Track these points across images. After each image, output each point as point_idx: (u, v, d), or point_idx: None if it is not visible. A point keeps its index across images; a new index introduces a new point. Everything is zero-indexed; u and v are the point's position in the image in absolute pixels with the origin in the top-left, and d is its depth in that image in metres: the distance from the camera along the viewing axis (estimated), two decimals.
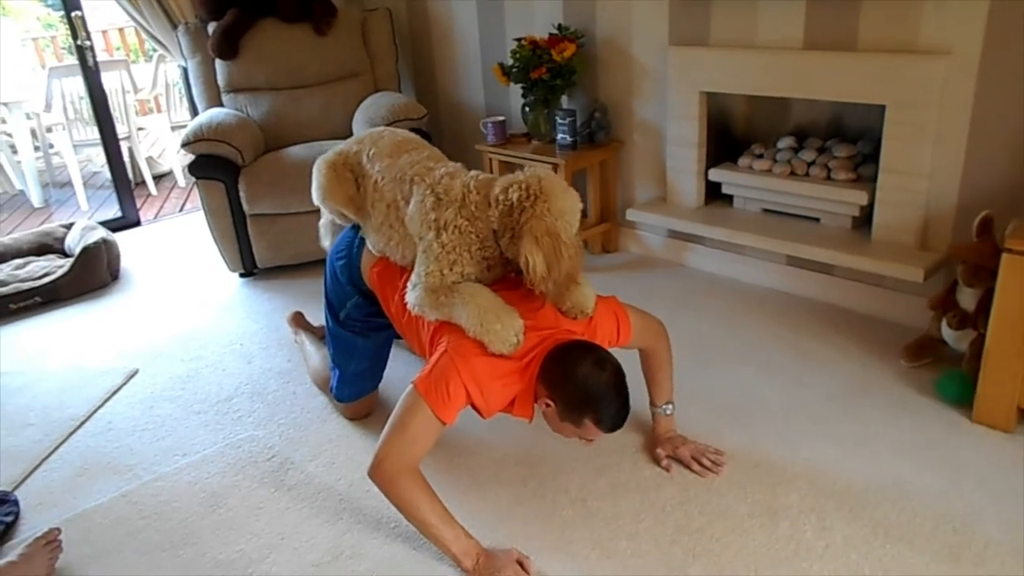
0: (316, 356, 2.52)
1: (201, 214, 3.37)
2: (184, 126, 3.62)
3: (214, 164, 3.19)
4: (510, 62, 3.29)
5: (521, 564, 1.66)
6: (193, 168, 3.21)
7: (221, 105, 3.63)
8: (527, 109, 3.37)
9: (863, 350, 2.45)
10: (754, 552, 1.70)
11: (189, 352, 2.78)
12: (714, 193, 3.02)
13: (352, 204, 2.01)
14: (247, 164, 3.25)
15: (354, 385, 2.24)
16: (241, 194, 3.21)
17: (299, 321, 2.79)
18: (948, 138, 2.32)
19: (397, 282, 1.94)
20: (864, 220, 2.62)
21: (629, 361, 1.84)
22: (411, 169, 1.86)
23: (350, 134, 3.59)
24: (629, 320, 1.88)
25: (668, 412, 2.03)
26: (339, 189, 2.00)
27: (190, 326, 2.99)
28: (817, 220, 2.76)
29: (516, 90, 3.42)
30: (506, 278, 1.88)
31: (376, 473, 1.66)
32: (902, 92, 2.33)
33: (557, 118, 3.19)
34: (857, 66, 2.41)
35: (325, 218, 2.32)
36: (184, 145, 3.20)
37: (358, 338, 2.17)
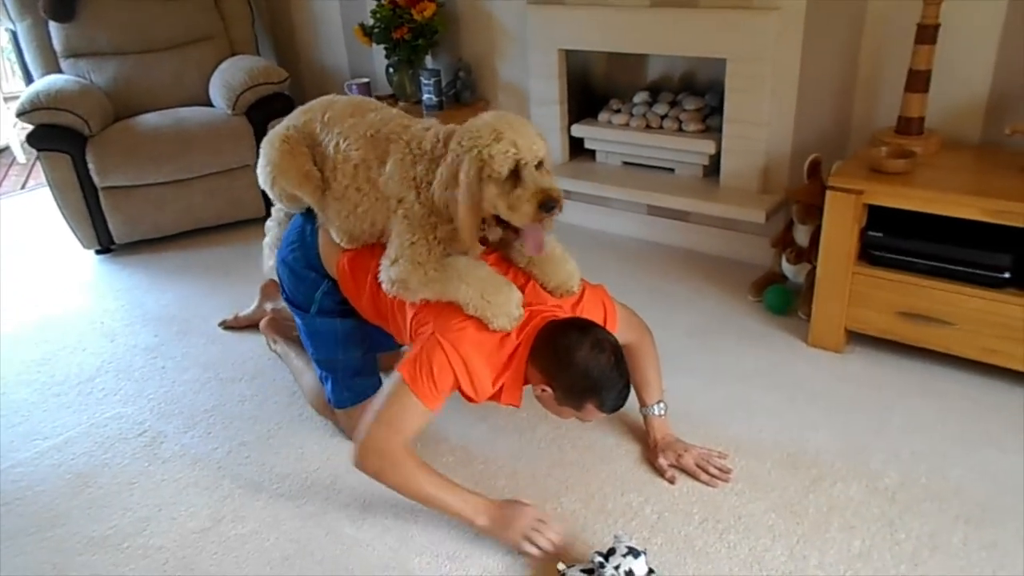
0: (308, 372, 2.12)
1: (47, 190, 3.15)
2: (18, 96, 3.35)
3: (57, 135, 2.98)
4: (371, 22, 3.26)
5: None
6: (33, 140, 2.99)
7: (60, 72, 3.37)
8: (391, 70, 3.36)
9: (716, 289, 2.65)
10: (621, 477, 1.84)
11: (43, 334, 2.62)
12: (578, 148, 3.14)
13: (309, 181, 1.77)
14: (95, 134, 3.06)
15: (350, 385, 1.95)
16: (90, 166, 3.03)
17: (276, 327, 2.40)
18: (781, 89, 2.52)
19: (370, 263, 1.74)
20: (713, 168, 2.81)
21: None
22: (385, 127, 1.71)
23: (207, 100, 3.45)
24: (616, 312, 1.78)
25: (660, 413, 1.87)
26: (293, 164, 1.77)
27: (43, 308, 2.82)
28: (672, 170, 2.93)
29: (380, 51, 3.39)
30: (486, 254, 1.75)
31: (362, 464, 1.58)
32: (739, 46, 2.51)
33: (422, 79, 3.20)
34: (699, 22, 2.56)
35: (271, 234, 2.09)
36: (20, 115, 2.97)
37: (337, 320, 1.91)
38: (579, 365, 1.51)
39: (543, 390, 1.58)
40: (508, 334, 1.59)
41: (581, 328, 1.57)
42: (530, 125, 1.55)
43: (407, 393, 1.54)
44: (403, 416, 1.55)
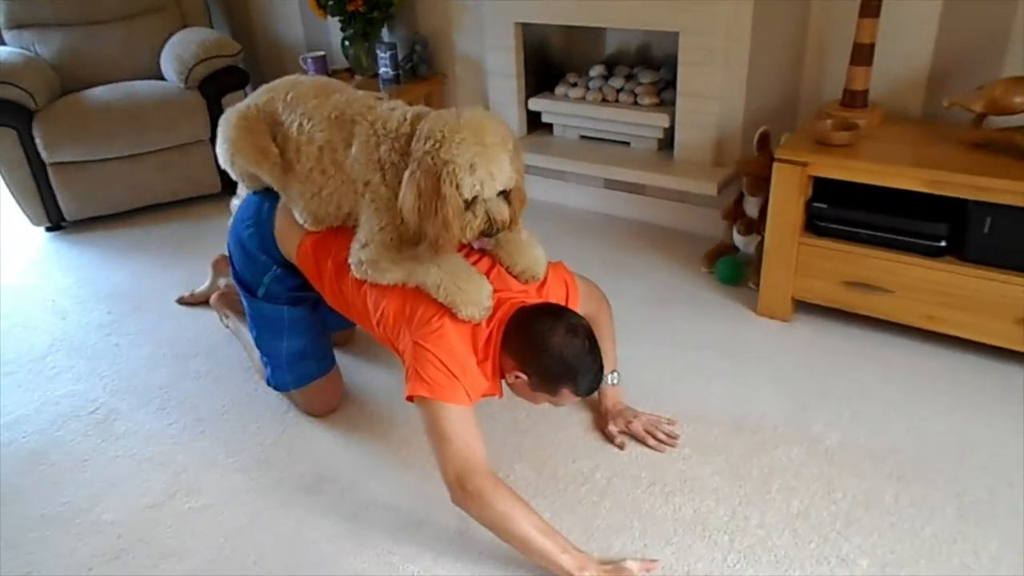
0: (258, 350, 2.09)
1: None
2: None
3: (1, 109, 2.91)
4: None
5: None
6: None
7: (2, 44, 3.28)
8: (347, 43, 3.32)
9: (669, 260, 2.70)
10: (572, 444, 1.88)
11: None
12: (535, 122, 3.14)
13: (266, 158, 1.73)
14: (41, 108, 2.99)
15: (293, 368, 1.96)
16: (37, 141, 2.96)
17: (227, 302, 2.36)
18: (733, 62, 2.55)
19: (332, 247, 1.73)
20: (667, 142, 2.84)
21: None
22: (350, 108, 1.67)
23: (159, 73, 3.38)
24: (577, 287, 1.79)
25: (614, 382, 1.91)
26: (249, 142, 1.74)
27: None
28: (628, 144, 2.95)
29: (335, 24, 3.34)
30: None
31: (460, 497, 1.50)
32: (692, 20, 2.53)
33: (378, 52, 3.17)
34: None
35: (237, 198, 2.06)
36: None
37: (284, 307, 1.90)
38: (554, 350, 1.51)
39: (516, 377, 1.57)
40: (479, 324, 1.58)
41: (554, 314, 1.57)
42: (506, 152, 1.50)
43: (437, 406, 1.50)
44: (455, 428, 1.50)
